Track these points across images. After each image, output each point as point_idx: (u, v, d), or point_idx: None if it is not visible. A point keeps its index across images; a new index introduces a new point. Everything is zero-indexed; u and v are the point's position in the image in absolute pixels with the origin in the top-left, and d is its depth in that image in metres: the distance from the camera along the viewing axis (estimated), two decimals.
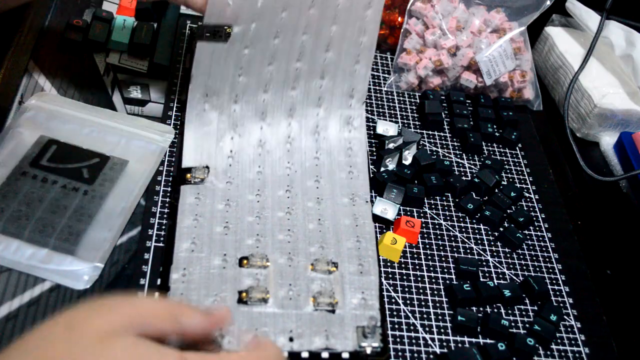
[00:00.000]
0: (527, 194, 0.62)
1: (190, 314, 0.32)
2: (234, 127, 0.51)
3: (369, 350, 0.43)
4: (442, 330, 0.49)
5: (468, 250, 0.55)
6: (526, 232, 0.58)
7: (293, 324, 0.43)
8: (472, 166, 0.63)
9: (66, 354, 0.28)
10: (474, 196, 0.60)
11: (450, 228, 0.57)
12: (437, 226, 0.57)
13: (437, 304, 0.51)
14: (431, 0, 0.70)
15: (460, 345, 0.49)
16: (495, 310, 0.51)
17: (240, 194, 0.49)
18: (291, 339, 0.43)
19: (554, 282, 0.54)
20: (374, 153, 0.62)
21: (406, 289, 0.51)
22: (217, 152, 0.51)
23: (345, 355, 0.43)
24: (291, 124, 0.52)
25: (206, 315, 0.33)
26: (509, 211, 0.59)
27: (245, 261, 0.46)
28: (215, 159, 0.50)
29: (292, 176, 0.51)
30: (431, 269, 0.53)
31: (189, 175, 0.51)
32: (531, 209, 0.60)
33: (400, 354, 0.47)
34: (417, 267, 0.53)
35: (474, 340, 0.49)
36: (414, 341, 0.48)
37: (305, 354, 0.42)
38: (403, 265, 0.53)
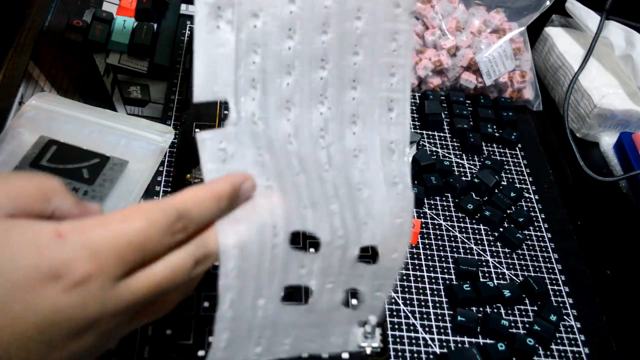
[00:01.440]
0: (527, 194, 0.62)
1: (63, 196, 0.29)
2: (255, 47, 0.39)
3: (369, 350, 0.43)
4: (442, 331, 0.49)
5: (468, 251, 0.55)
6: (526, 232, 0.58)
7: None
8: (472, 166, 0.63)
9: None
10: (474, 196, 0.60)
11: (450, 228, 0.57)
12: (437, 226, 0.57)
13: (437, 304, 0.51)
14: (431, 0, 0.70)
15: (460, 345, 0.49)
16: (495, 310, 0.51)
17: (271, 139, 0.39)
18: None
19: (554, 282, 0.55)
20: None
21: (406, 289, 0.52)
22: (238, 81, 0.38)
23: (345, 355, 0.43)
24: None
25: (78, 202, 0.30)
26: (508, 211, 0.59)
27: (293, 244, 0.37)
28: (236, 89, 0.38)
29: (327, 118, 0.41)
30: (431, 269, 0.53)
31: (189, 176, 0.51)
32: (531, 209, 0.60)
33: (400, 354, 0.47)
34: (417, 267, 0.53)
35: (473, 340, 0.49)
36: (413, 341, 0.48)
37: (305, 354, 0.42)
38: (403, 266, 0.53)
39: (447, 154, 0.64)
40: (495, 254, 0.56)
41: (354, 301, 0.44)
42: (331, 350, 0.41)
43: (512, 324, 0.51)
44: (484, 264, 0.55)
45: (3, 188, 0.28)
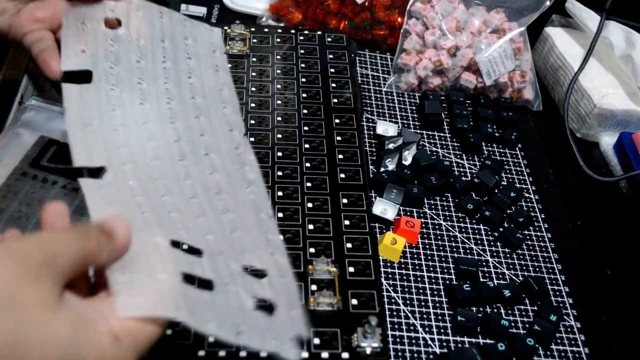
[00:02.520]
0: (527, 194, 0.62)
1: (101, 252, 0.31)
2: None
3: (368, 350, 0.43)
4: (442, 331, 0.49)
5: (468, 251, 0.55)
6: (526, 232, 0.58)
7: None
8: (472, 166, 0.63)
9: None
10: (474, 196, 0.60)
11: (450, 228, 0.57)
12: (437, 226, 0.57)
13: (437, 304, 0.51)
14: (431, 0, 0.70)
15: (460, 345, 0.49)
16: (495, 310, 0.51)
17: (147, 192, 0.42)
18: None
19: (554, 282, 0.55)
20: (374, 153, 0.62)
21: (406, 289, 0.52)
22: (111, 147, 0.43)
23: (345, 355, 0.43)
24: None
25: (112, 248, 0.32)
26: (508, 211, 0.59)
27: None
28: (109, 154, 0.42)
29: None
30: (431, 269, 0.53)
31: None
32: (531, 209, 0.60)
33: (400, 354, 0.47)
34: (417, 267, 0.53)
35: (473, 340, 0.49)
36: (414, 341, 0.48)
37: (305, 354, 0.43)
38: (403, 266, 0.53)
39: (447, 154, 0.64)
40: (495, 254, 0.56)
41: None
42: (263, 348, 0.36)
43: (512, 324, 0.51)
44: (484, 264, 0.55)
45: (47, 251, 0.29)
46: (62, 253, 0.29)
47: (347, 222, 0.51)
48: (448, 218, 0.58)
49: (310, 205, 0.52)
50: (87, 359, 0.29)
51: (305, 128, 0.58)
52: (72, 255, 0.30)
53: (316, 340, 0.44)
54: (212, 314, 0.34)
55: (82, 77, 0.45)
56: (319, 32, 0.69)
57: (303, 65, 0.65)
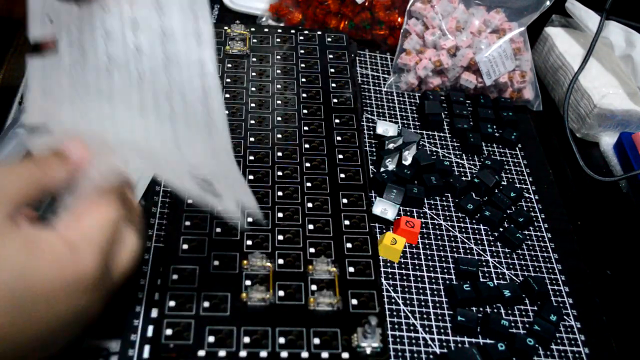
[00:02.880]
0: (527, 194, 0.62)
1: (55, 174, 0.32)
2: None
3: (368, 350, 0.43)
4: (442, 331, 0.49)
5: (468, 251, 0.55)
6: (526, 232, 0.58)
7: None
8: (472, 166, 0.63)
9: None
10: (474, 196, 0.60)
11: (450, 228, 0.57)
12: (437, 226, 0.57)
13: (437, 304, 0.51)
14: (431, 0, 0.70)
15: (460, 345, 0.49)
16: (495, 310, 0.51)
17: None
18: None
19: (554, 282, 0.55)
20: (374, 153, 0.62)
21: (406, 289, 0.52)
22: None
23: (345, 355, 0.43)
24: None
25: (67, 167, 0.33)
26: (508, 211, 0.59)
27: None
28: None
29: None
30: (431, 269, 0.53)
31: None
32: (531, 209, 0.60)
33: (400, 354, 0.47)
34: (417, 267, 0.53)
35: (473, 340, 0.49)
36: (413, 341, 0.48)
37: (305, 354, 0.43)
38: (403, 266, 0.53)
39: (447, 154, 0.64)
40: (495, 254, 0.56)
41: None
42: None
43: (512, 324, 0.51)
44: (484, 264, 0.55)
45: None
46: (10, 184, 0.31)
47: (347, 222, 0.51)
48: (448, 218, 0.58)
49: (310, 205, 0.52)
50: (47, 272, 0.29)
51: (305, 128, 0.58)
52: (23, 184, 0.31)
53: (316, 340, 0.44)
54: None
55: (47, 48, 0.44)
56: (319, 32, 0.69)
57: (303, 65, 0.65)
